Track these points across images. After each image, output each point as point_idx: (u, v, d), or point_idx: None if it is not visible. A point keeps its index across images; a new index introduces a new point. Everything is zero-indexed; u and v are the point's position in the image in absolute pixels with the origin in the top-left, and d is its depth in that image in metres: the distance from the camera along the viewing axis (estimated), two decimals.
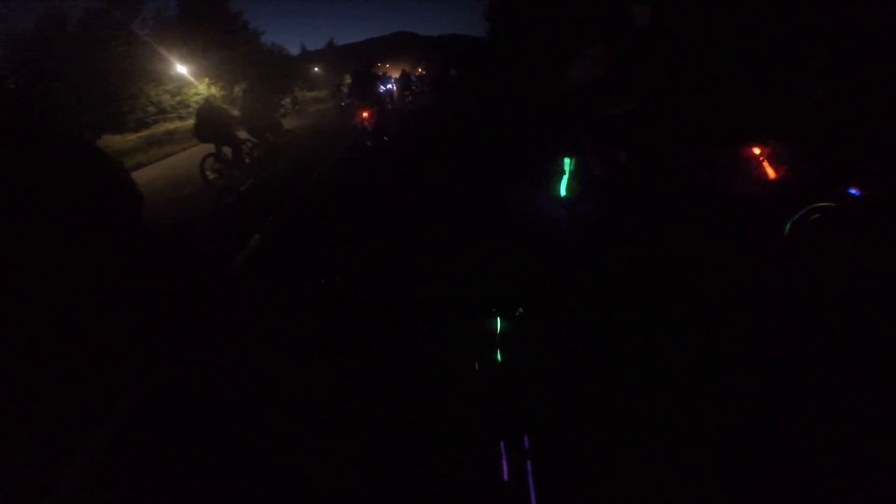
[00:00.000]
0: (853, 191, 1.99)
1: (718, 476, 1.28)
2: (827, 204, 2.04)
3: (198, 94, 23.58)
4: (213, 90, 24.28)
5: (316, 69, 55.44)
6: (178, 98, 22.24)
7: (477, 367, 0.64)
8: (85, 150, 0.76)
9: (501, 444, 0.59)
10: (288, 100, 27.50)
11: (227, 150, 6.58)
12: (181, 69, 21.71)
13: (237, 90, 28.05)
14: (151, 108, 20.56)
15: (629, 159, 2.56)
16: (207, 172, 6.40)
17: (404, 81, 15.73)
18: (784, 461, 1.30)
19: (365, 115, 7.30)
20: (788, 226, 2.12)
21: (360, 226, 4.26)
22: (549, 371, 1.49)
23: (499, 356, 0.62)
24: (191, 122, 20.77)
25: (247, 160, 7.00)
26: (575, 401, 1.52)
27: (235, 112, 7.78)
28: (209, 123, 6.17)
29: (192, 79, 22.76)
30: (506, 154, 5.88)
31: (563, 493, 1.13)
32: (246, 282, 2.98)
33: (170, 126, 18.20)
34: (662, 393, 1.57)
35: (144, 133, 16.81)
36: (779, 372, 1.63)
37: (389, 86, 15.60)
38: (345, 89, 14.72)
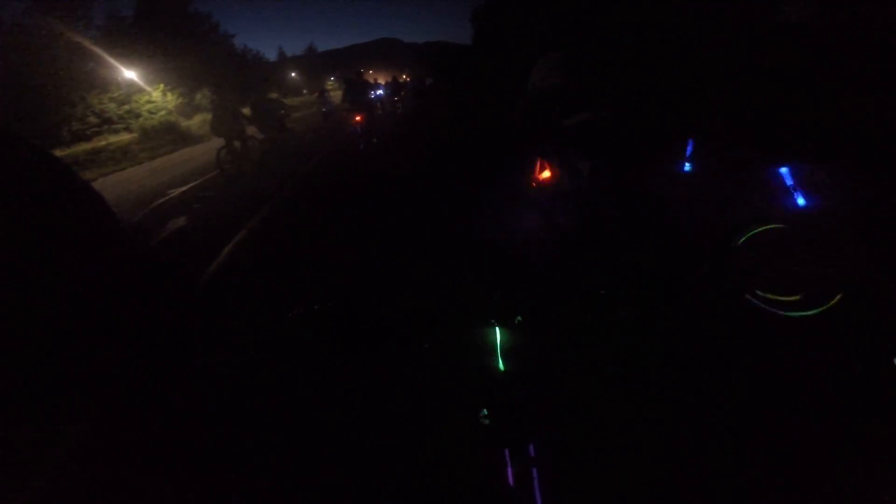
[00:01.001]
0: (804, 202, 2.00)
1: (722, 478, 1.28)
2: (775, 226, 2.00)
3: (150, 102, 21.22)
4: (169, 97, 21.92)
5: (293, 74, 53.01)
6: (127, 107, 19.81)
7: (478, 377, 0.64)
8: (43, 157, 0.63)
9: (506, 452, 0.59)
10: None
11: (237, 144, 7.60)
12: (129, 74, 19.32)
13: (199, 97, 25.71)
14: (92, 119, 18.10)
15: (591, 170, 2.58)
16: (219, 161, 7.55)
17: (394, 88, 16.07)
18: (785, 462, 1.32)
19: (357, 118, 7.97)
20: (743, 240, 2.07)
21: (345, 219, 4.61)
22: (551, 377, 1.23)
23: (500, 365, 0.62)
24: (134, 135, 18.64)
25: (252, 153, 8.02)
26: (579, 406, 1.55)
27: (246, 111, 8.50)
28: (222, 121, 7.22)
29: (143, 85, 20.35)
30: (482, 157, 5.96)
31: (569, 500, 1.11)
32: (234, 297, 2.99)
33: (103, 142, 15.74)
34: (666, 396, 1.58)
35: (68, 150, 14.38)
36: (777, 375, 1.64)
37: (379, 92, 15.67)
38: (328, 95, 15.08)
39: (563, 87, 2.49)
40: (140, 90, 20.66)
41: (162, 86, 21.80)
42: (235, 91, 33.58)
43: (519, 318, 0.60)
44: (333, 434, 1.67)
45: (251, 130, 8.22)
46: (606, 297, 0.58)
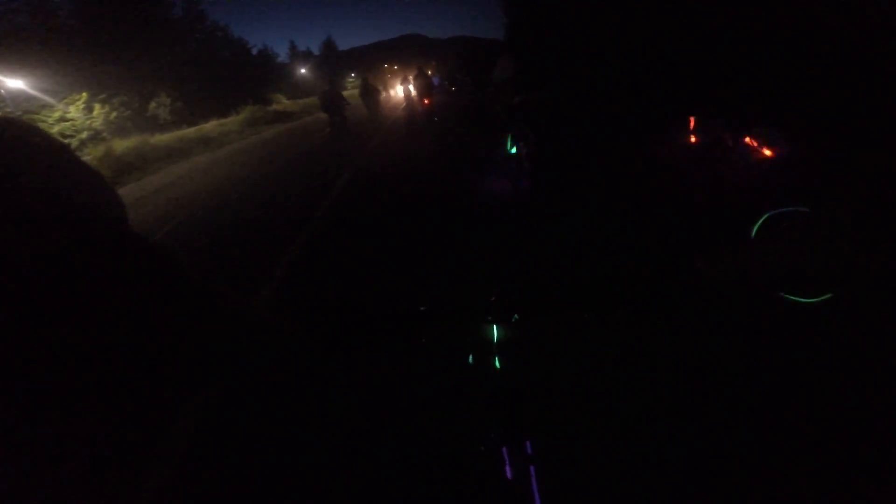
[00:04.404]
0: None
1: (721, 477, 1.29)
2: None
3: (65, 120, 14.69)
4: (97, 111, 15.36)
5: (302, 71, 46.35)
6: None
7: (475, 375, 0.65)
8: (58, 148, 0.34)
9: (504, 450, 0.60)
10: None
11: (338, 119, 9.96)
12: (15, 84, 12.75)
13: (154, 106, 19.21)
14: None
15: (535, 137, 3.35)
16: (332, 128, 10.08)
17: (451, 80, 19.50)
18: (784, 462, 1.30)
19: (426, 101, 10.46)
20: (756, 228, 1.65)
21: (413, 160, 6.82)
22: (548, 375, 1.51)
23: (497, 363, 0.63)
24: None
25: (349, 124, 10.48)
26: (576, 404, 1.55)
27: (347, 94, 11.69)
28: (330, 102, 9.72)
29: (48, 98, 13.79)
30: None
31: (568, 497, 1.00)
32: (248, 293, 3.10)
33: None
34: (663, 392, 1.58)
35: None
36: (775, 371, 1.63)
37: (437, 83, 18.42)
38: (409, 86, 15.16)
39: (513, 77, 3.44)
40: (46, 105, 14.11)
41: (85, 95, 15.18)
42: (232, 89, 27.26)
43: (516, 316, 0.61)
44: (331, 430, 1.66)
45: (349, 108, 10.36)
46: (602, 295, 0.58)
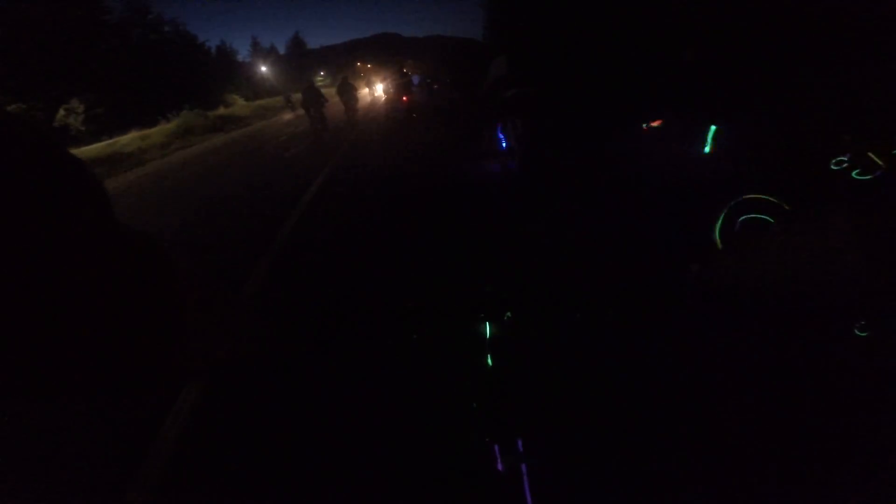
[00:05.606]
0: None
1: (711, 476, 1.27)
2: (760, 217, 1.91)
3: None
4: None
5: (263, 69, 43.07)
6: None
7: (468, 372, 0.62)
8: (37, 136, 0.25)
9: (496, 447, 0.58)
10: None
11: (318, 116, 10.32)
12: None
13: (62, 114, 16.23)
14: None
15: (522, 126, 3.90)
16: (312, 124, 10.53)
17: (433, 79, 19.41)
18: (778, 462, 1.27)
19: (404, 99, 11.22)
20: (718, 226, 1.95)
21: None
22: (539, 373, 1.48)
23: (489, 360, 0.62)
24: None
25: (329, 121, 10.91)
26: (567, 402, 1.52)
27: (328, 91, 11.81)
28: (310, 99, 10.10)
29: None
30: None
31: (558, 494, 1.11)
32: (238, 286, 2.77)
33: None
34: (653, 391, 1.55)
35: None
36: (769, 371, 1.57)
37: (417, 81, 18.26)
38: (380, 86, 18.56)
39: (506, 75, 3.98)
40: None
41: None
42: (176, 91, 24.27)
43: (508, 314, 0.61)
44: (323, 427, 1.63)
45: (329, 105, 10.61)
46: (594, 294, 0.55)
